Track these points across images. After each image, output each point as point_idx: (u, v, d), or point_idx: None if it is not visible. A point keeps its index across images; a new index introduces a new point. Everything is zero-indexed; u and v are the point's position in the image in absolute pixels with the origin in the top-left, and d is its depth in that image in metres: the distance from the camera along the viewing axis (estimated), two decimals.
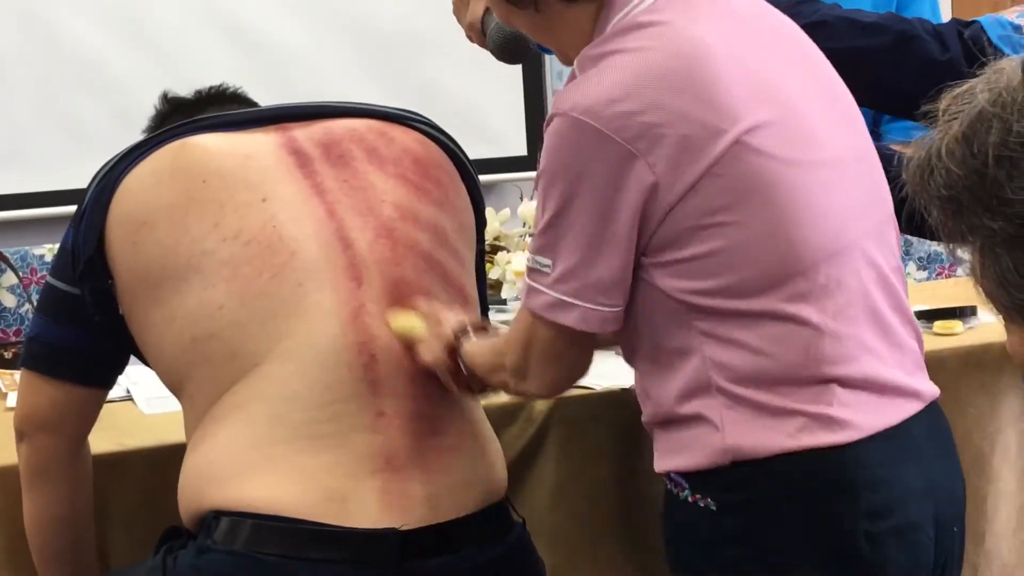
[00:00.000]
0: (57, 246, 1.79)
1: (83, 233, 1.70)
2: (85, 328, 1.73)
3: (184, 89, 2.02)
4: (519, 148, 4.15)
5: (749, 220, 1.49)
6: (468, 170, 1.86)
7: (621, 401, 2.29)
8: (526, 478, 2.25)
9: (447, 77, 4.05)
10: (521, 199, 3.07)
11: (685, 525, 1.58)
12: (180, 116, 1.84)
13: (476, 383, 1.67)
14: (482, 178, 4.00)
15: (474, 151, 3.96)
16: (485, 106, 4.12)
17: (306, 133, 1.76)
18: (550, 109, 1.58)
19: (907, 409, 1.57)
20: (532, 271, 1.55)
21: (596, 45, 1.53)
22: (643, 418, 1.64)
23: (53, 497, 1.80)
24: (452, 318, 1.67)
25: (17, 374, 1.96)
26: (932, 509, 1.57)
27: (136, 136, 1.85)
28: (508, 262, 2.69)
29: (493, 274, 2.70)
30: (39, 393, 1.75)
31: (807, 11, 1.91)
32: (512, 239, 2.83)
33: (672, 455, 1.57)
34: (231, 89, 1.98)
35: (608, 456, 2.31)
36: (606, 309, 1.52)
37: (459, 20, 1.93)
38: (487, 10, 1.84)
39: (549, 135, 1.52)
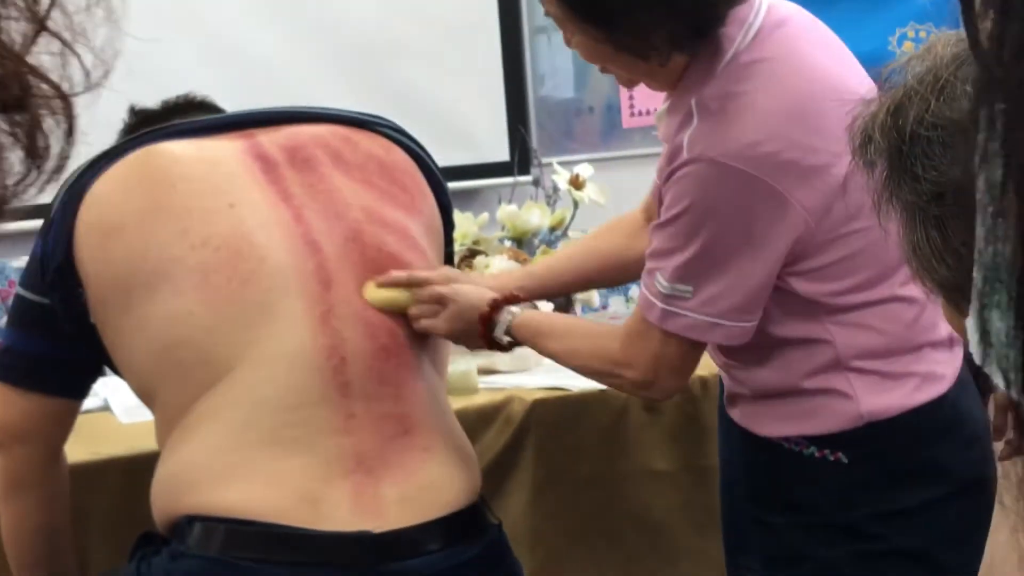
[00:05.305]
0: None
1: (51, 242, 1.70)
2: (56, 338, 1.72)
3: (160, 99, 2.02)
4: (501, 154, 4.15)
5: (873, 224, 1.61)
6: (434, 174, 1.86)
7: (598, 401, 2.31)
8: (504, 481, 2.26)
9: (428, 83, 4.05)
10: (499, 203, 3.08)
11: (813, 478, 1.74)
12: (147, 127, 1.84)
13: (506, 344, 1.85)
14: (463, 184, 4.04)
15: (455, 157, 3.99)
16: (466, 112, 4.12)
17: (271, 139, 1.77)
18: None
19: (960, 354, 1.78)
20: (669, 297, 1.66)
21: (714, 86, 1.64)
22: (737, 390, 1.80)
23: (30, 507, 1.81)
24: (475, 286, 1.85)
25: None
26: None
27: None
28: (487, 266, 2.70)
29: None
30: (12, 405, 1.75)
31: None
32: (491, 243, 2.84)
33: (795, 421, 1.73)
34: (198, 98, 1.99)
35: (585, 457, 2.32)
36: (748, 324, 1.67)
37: None
38: None
39: (693, 179, 1.62)
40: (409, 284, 1.75)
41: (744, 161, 1.59)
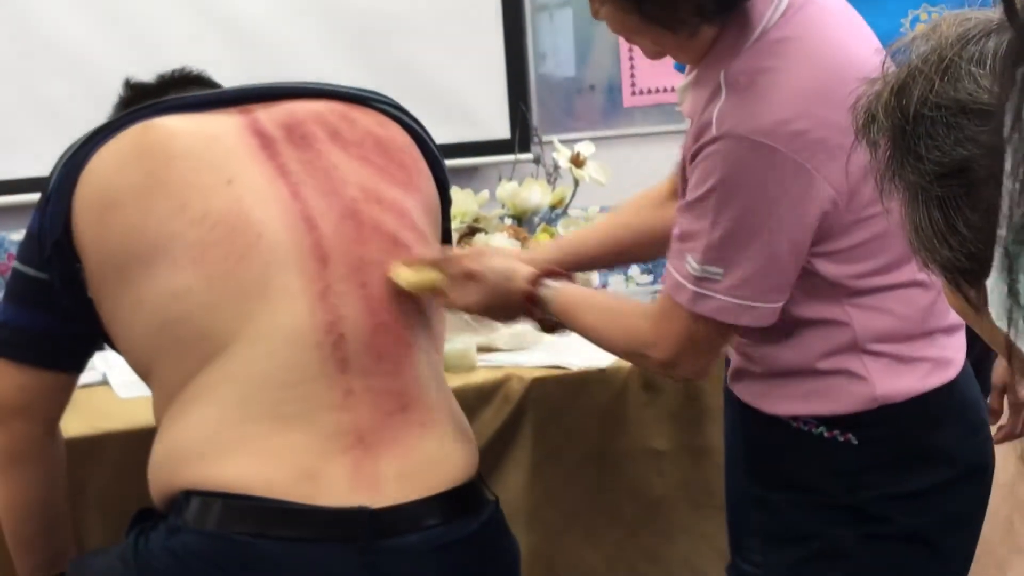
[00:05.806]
0: None
1: (49, 217, 1.69)
2: (53, 313, 1.72)
3: (157, 71, 2.01)
4: (502, 131, 4.13)
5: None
6: (431, 150, 1.85)
7: (597, 380, 2.31)
8: (502, 459, 2.26)
9: (429, 60, 4.03)
10: (500, 181, 3.07)
11: (822, 458, 1.74)
12: (143, 101, 1.82)
13: (553, 324, 1.84)
14: (463, 161, 4.02)
15: (456, 134, 3.97)
16: (467, 89, 4.10)
17: (268, 115, 1.76)
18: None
19: (962, 340, 1.78)
20: (700, 279, 1.65)
21: (744, 61, 1.63)
22: (745, 367, 1.79)
23: (27, 482, 1.80)
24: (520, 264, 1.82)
25: None
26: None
27: None
28: (486, 243, 2.70)
29: None
30: (8, 379, 1.75)
31: None
32: (491, 221, 2.83)
33: (807, 400, 1.73)
34: (195, 72, 1.97)
35: (584, 435, 2.31)
36: (777, 305, 1.67)
37: None
38: None
39: (723, 156, 1.60)
40: (439, 262, 1.75)
41: (775, 138, 1.58)
